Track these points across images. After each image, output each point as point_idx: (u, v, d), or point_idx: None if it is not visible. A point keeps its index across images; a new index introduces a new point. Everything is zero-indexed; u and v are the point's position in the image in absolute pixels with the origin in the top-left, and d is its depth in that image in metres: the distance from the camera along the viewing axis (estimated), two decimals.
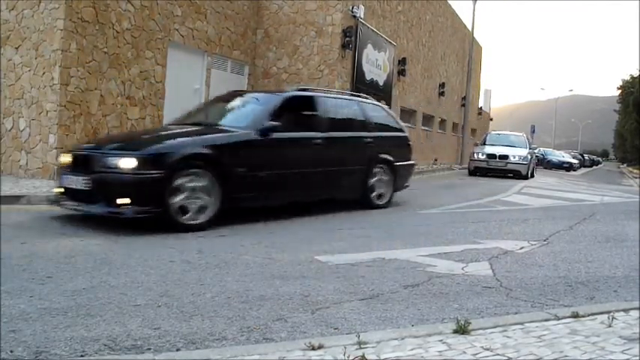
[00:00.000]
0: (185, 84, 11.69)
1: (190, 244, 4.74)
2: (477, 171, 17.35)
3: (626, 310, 2.94)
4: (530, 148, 18.32)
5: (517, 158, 17.00)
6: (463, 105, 27.06)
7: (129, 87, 10.08)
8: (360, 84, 14.57)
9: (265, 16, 13.85)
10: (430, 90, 22.47)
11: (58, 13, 8.78)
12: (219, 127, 6.47)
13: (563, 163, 35.84)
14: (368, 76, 15.14)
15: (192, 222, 5.38)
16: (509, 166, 16.88)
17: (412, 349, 2.31)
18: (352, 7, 13.77)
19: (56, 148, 8.77)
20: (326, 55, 13.38)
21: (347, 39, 13.55)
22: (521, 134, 20.29)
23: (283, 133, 6.31)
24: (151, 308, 2.96)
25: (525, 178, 16.54)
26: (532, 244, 5.16)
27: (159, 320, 2.78)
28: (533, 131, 37.56)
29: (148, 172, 5.21)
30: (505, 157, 17.03)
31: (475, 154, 17.85)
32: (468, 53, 26.05)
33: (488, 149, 17.72)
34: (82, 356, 2.34)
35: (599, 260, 4.55)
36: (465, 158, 22.27)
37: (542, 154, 33.78)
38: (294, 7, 13.61)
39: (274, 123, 6.22)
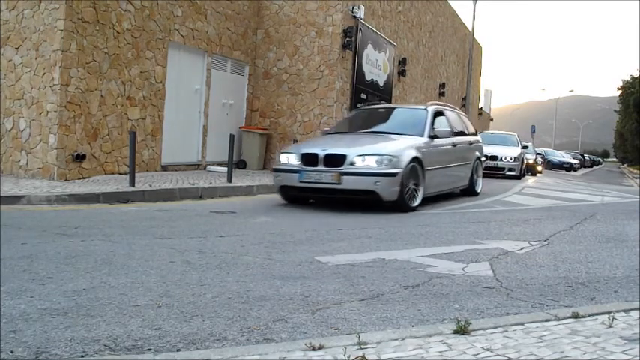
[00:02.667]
0: (185, 84, 11.70)
1: (191, 244, 4.75)
2: (290, 193, 7.96)
3: (626, 311, 2.94)
4: (430, 136, 8.34)
5: (367, 163, 7.28)
6: (464, 105, 27.06)
7: (129, 87, 10.08)
8: (361, 84, 14.57)
9: (265, 16, 13.85)
10: (430, 90, 22.47)
11: (58, 13, 8.78)
12: None
13: (564, 163, 35.88)
14: (368, 77, 15.14)
15: None
16: (347, 183, 7.18)
17: (413, 350, 2.31)
18: (352, 8, 13.77)
19: (56, 148, 8.78)
20: (326, 56, 13.38)
21: (347, 39, 13.55)
22: (419, 107, 9.28)
23: None
24: (152, 308, 2.96)
25: (399, 208, 7.29)
26: (532, 245, 5.15)
27: (159, 320, 2.78)
28: (534, 131, 37.55)
29: None
30: (335, 159, 7.35)
31: (285, 158, 7.93)
32: (468, 53, 26.06)
33: (308, 147, 7.95)
34: (82, 356, 2.34)
35: (600, 260, 4.55)
36: None
37: (543, 154, 33.75)
38: (294, 7, 13.61)
39: None
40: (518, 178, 16.20)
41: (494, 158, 16.21)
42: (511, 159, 16.53)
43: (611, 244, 5.37)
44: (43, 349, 2.38)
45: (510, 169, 16.36)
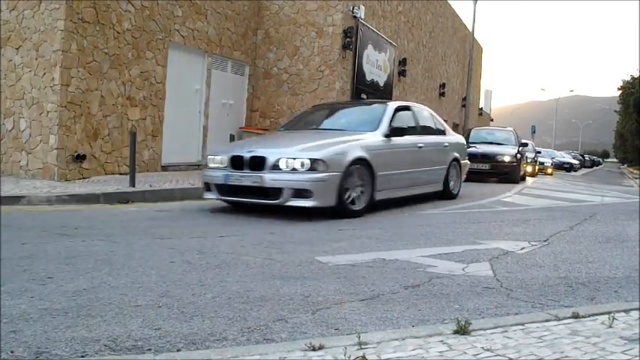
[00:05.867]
0: (185, 84, 11.70)
1: (191, 244, 4.75)
2: None
3: (626, 311, 2.93)
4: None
5: None
6: (464, 106, 27.07)
7: (129, 87, 10.09)
8: (361, 85, 14.57)
9: (266, 16, 13.86)
10: (431, 90, 22.48)
11: (58, 13, 8.78)
12: None
13: (564, 163, 35.92)
14: (368, 77, 15.14)
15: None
16: None
17: (413, 350, 2.31)
18: (352, 8, 13.77)
19: (57, 148, 8.78)
20: (326, 56, 13.39)
21: (347, 39, 13.56)
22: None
23: None
24: (152, 309, 2.96)
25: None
26: (533, 245, 5.15)
27: (159, 321, 2.78)
28: (534, 131, 37.56)
29: None
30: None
31: None
32: (468, 54, 26.06)
33: None
34: (82, 357, 2.34)
35: (600, 261, 4.55)
36: None
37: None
38: (294, 7, 13.62)
39: None
40: None
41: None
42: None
43: (611, 244, 5.37)
44: (43, 350, 2.38)
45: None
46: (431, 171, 8.58)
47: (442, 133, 9.31)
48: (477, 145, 14.55)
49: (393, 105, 8.22)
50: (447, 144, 9.14)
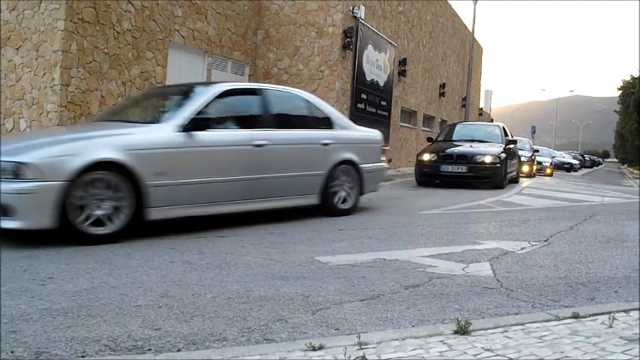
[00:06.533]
0: None
1: (191, 244, 4.75)
2: None
3: (626, 311, 2.94)
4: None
5: None
6: (464, 106, 27.07)
7: (129, 88, 10.09)
8: (361, 85, 14.58)
9: (266, 16, 13.86)
10: (431, 91, 22.49)
11: (58, 13, 8.79)
12: None
13: (564, 163, 35.94)
14: (368, 77, 15.15)
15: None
16: None
17: (413, 350, 2.31)
18: (353, 8, 13.78)
19: None
20: (326, 56, 13.39)
21: (347, 39, 13.57)
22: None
23: None
24: (152, 309, 2.96)
25: None
26: (533, 245, 5.15)
27: (159, 321, 2.78)
28: (534, 132, 37.57)
29: None
30: None
31: None
32: (468, 54, 26.07)
33: None
34: (82, 357, 2.34)
35: (600, 261, 4.55)
36: None
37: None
38: (294, 7, 13.63)
39: None
40: None
41: None
42: None
43: (611, 244, 5.37)
44: (43, 350, 2.38)
45: None
46: (290, 178, 6.27)
47: (325, 125, 6.88)
48: (455, 143, 12.68)
49: (218, 88, 5.93)
50: (328, 141, 6.66)
